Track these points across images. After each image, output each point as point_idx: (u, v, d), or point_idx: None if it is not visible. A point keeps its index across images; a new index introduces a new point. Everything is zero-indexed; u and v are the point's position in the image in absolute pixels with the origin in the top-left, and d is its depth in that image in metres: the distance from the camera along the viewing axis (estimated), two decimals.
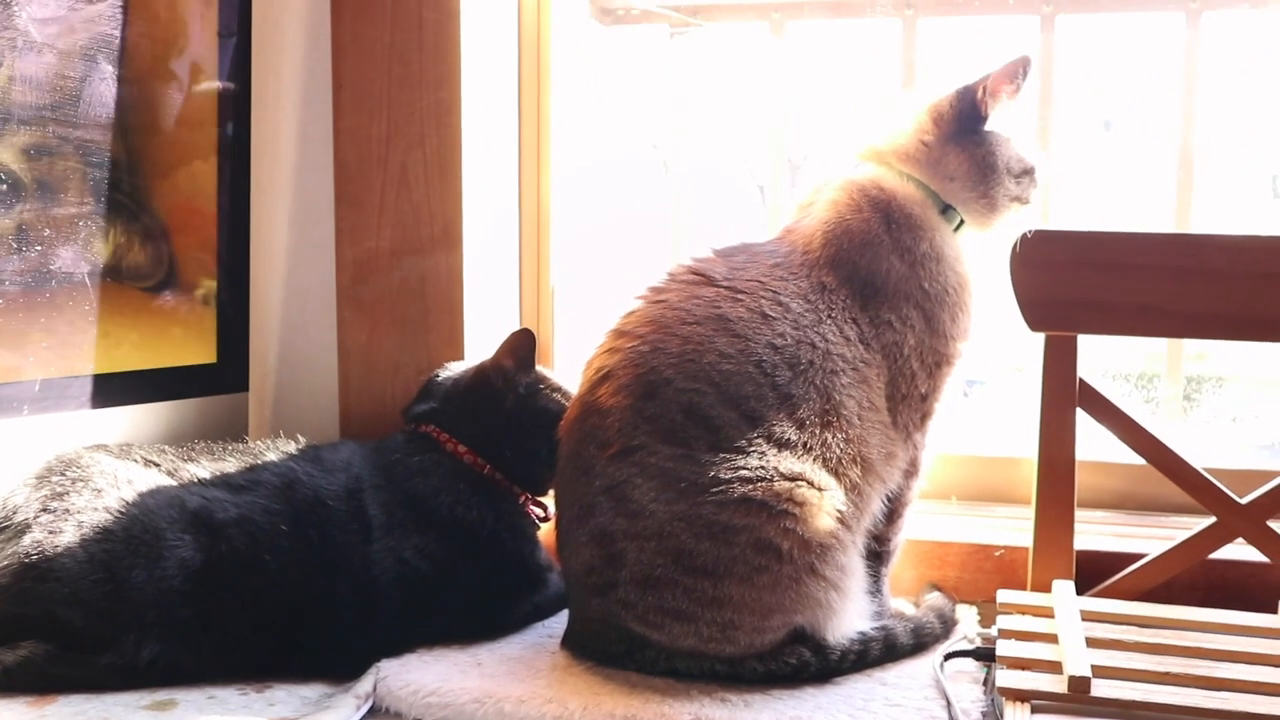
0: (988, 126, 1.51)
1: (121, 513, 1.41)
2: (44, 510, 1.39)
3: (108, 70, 1.68)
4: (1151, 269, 1.55)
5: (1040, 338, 1.57)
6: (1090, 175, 2.03)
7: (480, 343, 1.79)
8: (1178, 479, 1.55)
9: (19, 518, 1.39)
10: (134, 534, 1.39)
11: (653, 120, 2.11)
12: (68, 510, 1.39)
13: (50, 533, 1.37)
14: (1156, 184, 1.93)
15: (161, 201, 1.79)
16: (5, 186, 1.58)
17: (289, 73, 1.81)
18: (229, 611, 1.40)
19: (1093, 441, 1.60)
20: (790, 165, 2.03)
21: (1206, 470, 1.55)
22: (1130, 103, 2.02)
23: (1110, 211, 2.04)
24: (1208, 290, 1.53)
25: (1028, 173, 1.54)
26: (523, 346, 1.61)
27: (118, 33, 1.69)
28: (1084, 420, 1.56)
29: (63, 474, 1.45)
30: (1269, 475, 1.55)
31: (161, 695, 1.34)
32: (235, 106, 1.87)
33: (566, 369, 1.85)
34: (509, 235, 1.93)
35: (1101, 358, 1.80)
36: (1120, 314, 1.56)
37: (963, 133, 1.51)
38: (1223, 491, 1.53)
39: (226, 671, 1.40)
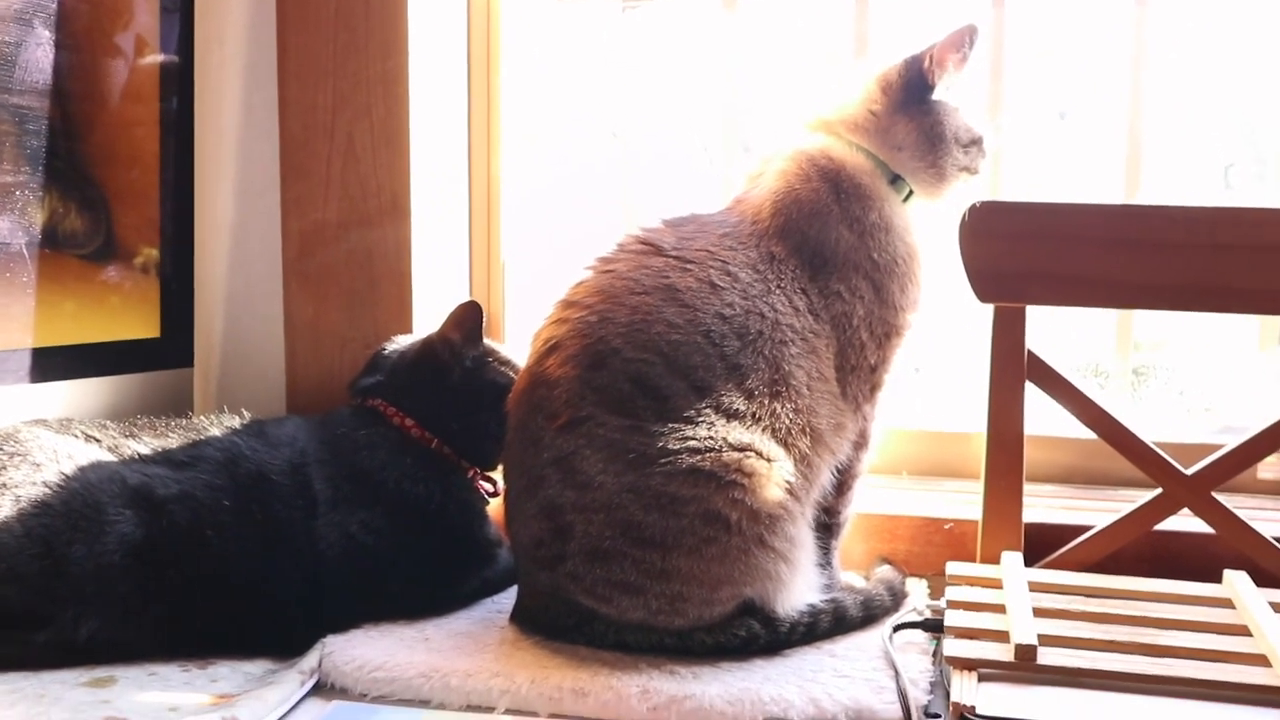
0: (935, 96, 1.51)
1: (60, 487, 1.38)
2: None
3: (44, 35, 1.64)
4: (1100, 240, 1.55)
5: (989, 309, 1.57)
6: (1042, 164, 2.03)
7: (429, 316, 1.77)
8: (1124, 450, 1.56)
9: None
10: (73, 509, 1.36)
11: (605, 94, 2.10)
12: (4, 485, 1.36)
13: None
14: (1107, 173, 1.93)
15: (101, 171, 1.76)
16: None
17: (232, 41, 1.78)
18: (170, 587, 1.38)
19: (1042, 416, 1.61)
20: (743, 145, 2.02)
21: (1154, 443, 1.55)
22: (1081, 87, 2.02)
23: (1075, 197, 2.04)
24: (1157, 261, 1.53)
25: (976, 143, 1.54)
26: (469, 319, 1.59)
27: None
28: (1034, 395, 1.56)
29: (0, 448, 1.41)
30: (1214, 449, 1.56)
31: (100, 672, 1.32)
32: (179, 79, 1.84)
33: (518, 342, 1.84)
34: (459, 207, 1.91)
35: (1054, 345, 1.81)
36: (1069, 285, 1.56)
37: (910, 102, 1.51)
38: (1168, 462, 1.53)
39: (168, 648, 1.38)
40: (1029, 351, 1.55)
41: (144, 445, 1.49)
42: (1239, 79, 1.93)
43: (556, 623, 1.40)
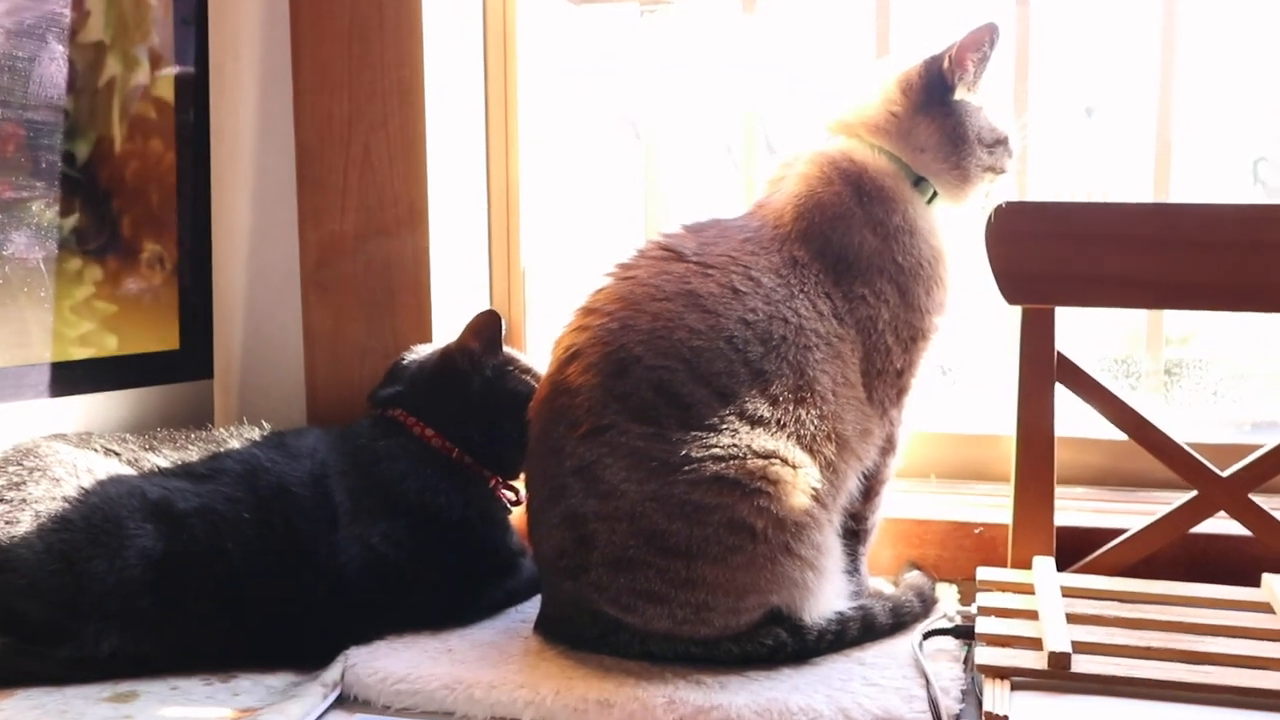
0: (957, 96, 1.49)
1: (80, 502, 1.38)
2: (0, 500, 1.36)
3: (58, 50, 1.64)
4: (1129, 240, 1.52)
5: (1017, 311, 1.54)
6: (1069, 162, 2.00)
7: (450, 325, 1.75)
8: (1158, 452, 1.53)
9: None
10: (93, 523, 1.36)
11: (624, 97, 2.08)
12: (24, 500, 1.36)
13: (6, 523, 1.34)
14: (1135, 170, 1.90)
15: (118, 185, 1.75)
16: None
17: (247, 54, 1.78)
18: (191, 601, 1.37)
19: (1072, 417, 1.58)
20: (767, 147, 2.00)
21: (1187, 444, 1.52)
22: (1108, 84, 1.99)
23: (1102, 197, 2.01)
24: (1186, 260, 1.51)
25: (1000, 142, 1.51)
26: (488, 328, 1.58)
27: (68, 12, 1.65)
28: (1063, 396, 1.54)
29: (20, 463, 1.42)
30: (1250, 450, 1.53)
31: (123, 687, 1.31)
32: (195, 92, 1.84)
33: (539, 350, 1.83)
34: (477, 216, 1.90)
35: (1082, 339, 1.77)
36: (1098, 285, 1.53)
37: (931, 103, 1.48)
38: (1204, 465, 1.50)
39: (190, 662, 1.37)
40: (1058, 353, 1.53)
41: (164, 458, 1.48)
42: (1268, 71, 1.90)
43: (581, 633, 1.39)
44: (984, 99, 1.51)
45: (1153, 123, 1.83)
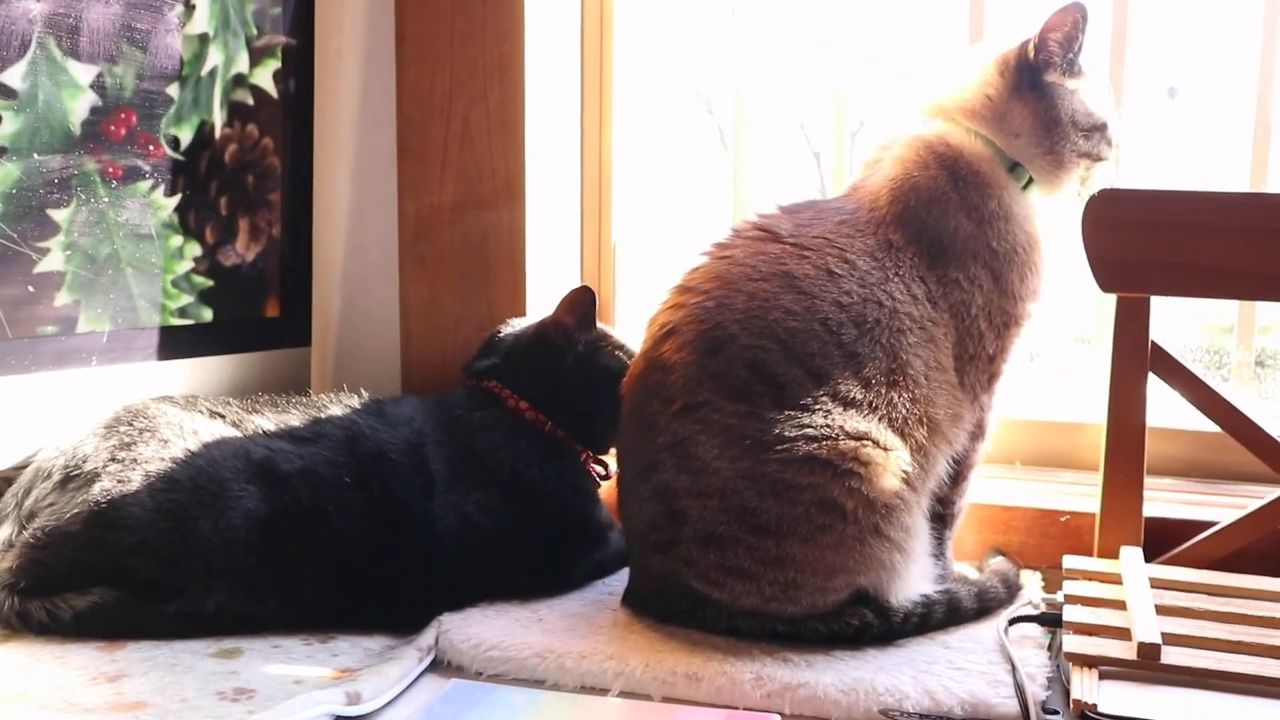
0: (1050, 79, 1.47)
1: (187, 463, 1.42)
2: (112, 460, 1.41)
3: (173, 22, 1.69)
4: (1226, 229, 1.50)
5: (1112, 300, 1.53)
6: (1158, 146, 1.97)
7: (542, 299, 1.78)
8: (1252, 445, 1.51)
9: (88, 466, 1.41)
10: (200, 484, 1.40)
11: (700, 76, 2.09)
12: (135, 460, 1.41)
13: (119, 482, 1.38)
14: (1230, 154, 1.87)
15: (217, 168, 1.80)
16: (71, 140, 1.59)
17: (351, 27, 1.81)
18: (293, 562, 1.41)
19: (1163, 407, 1.57)
20: (849, 132, 2.00)
21: None
22: (1205, 64, 1.95)
23: (1182, 183, 1.98)
24: None
25: (1098, 129, 1.49)
26: (583, 304, 1.60)
27: None
28: (1154, 385, 1.53)
29: (130, 424, 1.46)
30: None
31: (228, 643, 1.35)
32: (298, 63, 1.87)
33: (627, 326, 1.85)
34: (571, 191, 1.92)
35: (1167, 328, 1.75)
36: (1195, 275, 1.52)
37: (1022, 86, 1.47)
38: None
39: (291, 622, 1.41)
40: (1152, 342, 1.52)
41: (267, 421, 1.52)
42: None
43: (669, 607, 1.41)
44: (1084, 83, 1.50)
45: (1251, 105, 1.80)
